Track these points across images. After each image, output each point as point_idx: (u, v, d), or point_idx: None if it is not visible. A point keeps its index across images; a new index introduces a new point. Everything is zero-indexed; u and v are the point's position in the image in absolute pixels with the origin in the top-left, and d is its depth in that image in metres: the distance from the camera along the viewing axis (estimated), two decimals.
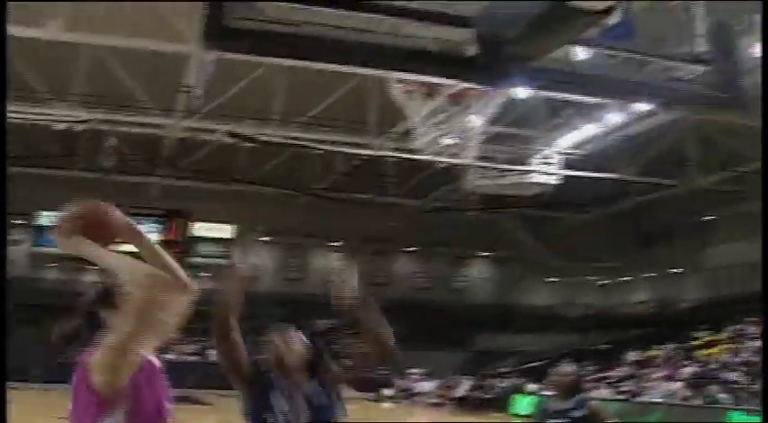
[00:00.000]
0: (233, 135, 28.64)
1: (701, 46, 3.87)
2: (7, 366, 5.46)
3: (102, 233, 3.57)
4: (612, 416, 5.74)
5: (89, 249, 3.53)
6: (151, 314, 3.47)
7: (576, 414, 5.72)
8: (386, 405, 37.77)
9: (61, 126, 27.77)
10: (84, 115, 26.91)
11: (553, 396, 6.09)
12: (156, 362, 3.83)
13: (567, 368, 6.24)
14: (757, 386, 24.82)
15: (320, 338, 4.99)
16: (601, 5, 3.12)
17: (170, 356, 29.52)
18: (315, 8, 3.34)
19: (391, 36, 3.30)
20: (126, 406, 3.54)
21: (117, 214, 3.66)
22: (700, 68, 3.99)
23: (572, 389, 5.88)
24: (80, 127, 27.51)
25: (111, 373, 3.45)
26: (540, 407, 6.09)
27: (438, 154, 25.66)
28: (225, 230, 44.54)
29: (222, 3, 3.05)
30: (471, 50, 3.41)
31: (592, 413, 5.78)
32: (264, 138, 28.90)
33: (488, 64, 3.39)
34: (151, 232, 41.36)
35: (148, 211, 41.52)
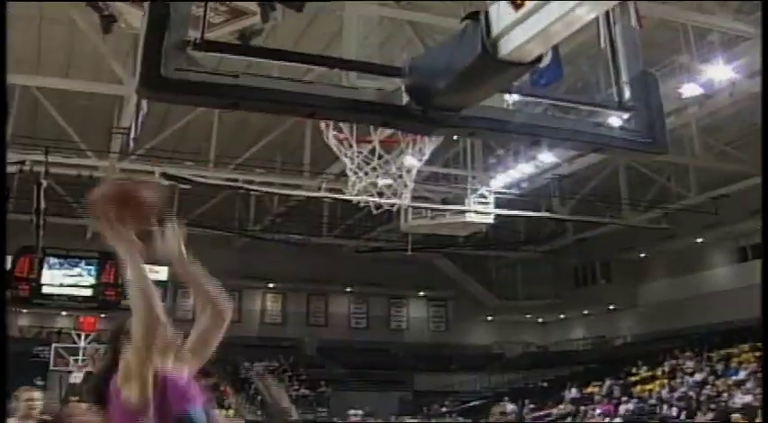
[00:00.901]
0: (168, 177, 28.45)
1: (625, 93, 4.02)
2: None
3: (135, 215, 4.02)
4: None
5: (131, 257, 3.79)
6: (151, 338, 3.80)
7: None
8: None
9: None
10: (16, 157, 26.54)
11: None
12: (179, 375, 4.05)
13: (507, 407, 6.33)
14: (695, 421, 25.22)
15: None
16: (530, 57, 3.24)
17: None
18: (253, 59, 3.44)
19: (328, 86, 3.38)
20: (153, 417, 3.78)
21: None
22: (623, 114, 4.15)
23: None
24: (13, 168, 27.13)
25: (132, 388, 3.74)
26: None
27: (373, 196, 25.79)
28: (161, 272, 43.96)
29: (159, 52, 3.11)
30: (403, 99, 3.52)
31: None
32: (200, 179, 28.76)
33: (420, 113, 3.50)
34: (87, 275, 40.81)
35: (83, 253, 40.94)
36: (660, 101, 4.88)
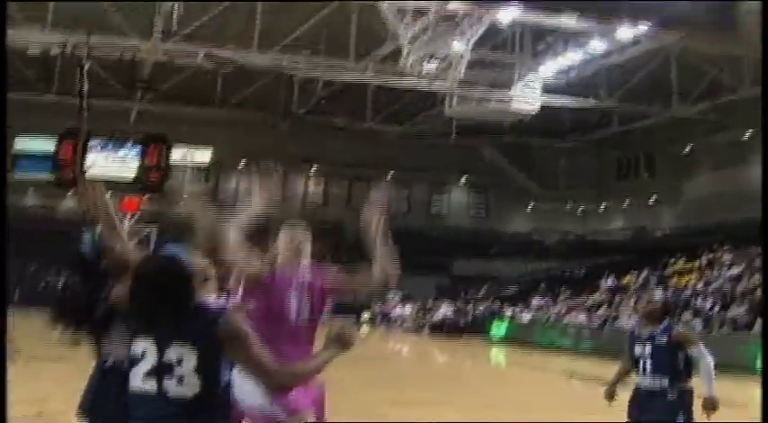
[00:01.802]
0: (211, 58, 28.29)
1: None
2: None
3: None
4: (698, 339, 5.86)
5: None
6: None
7: (663, 339, 5.94)
8: (364, 329, 38.18)
9: (36, 50, 27.32)
10: (58, 38, 26.43)
11: (641, 322, 6.29)
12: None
13: (655, 295, 6.46)
14: (729, 313, 25.22)
15: None
16: None
17: None
18: None
19: None
20: None
21: None
22: None
23: (659, 315, 6.08)
24: (56, 51, 27.07)
25: None
26: (629, 332, 6.31)
27: (419, 79, 25.52)
28: (204, 155, 44.16)
29: None
30: None
31: (678, 337, 5.95)
32: (243, 61, 28.58)
33: None
34: (131, 157, 41.07)
35: (127, 135, 41.05)
36: None
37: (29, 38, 26.62)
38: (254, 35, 28.57)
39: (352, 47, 29.12)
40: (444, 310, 36.84)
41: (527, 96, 30.19)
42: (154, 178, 39.32)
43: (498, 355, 29.31)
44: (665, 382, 5.93)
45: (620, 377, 6.37)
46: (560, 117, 39.91)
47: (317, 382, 4.50)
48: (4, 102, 7.82)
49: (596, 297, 33.17)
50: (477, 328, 35.05)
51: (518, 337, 31.58)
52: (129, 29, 27.44)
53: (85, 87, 24.84)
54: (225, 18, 29.24)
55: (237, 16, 29.36)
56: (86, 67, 24.58)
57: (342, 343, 3.39)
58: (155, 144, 39.67)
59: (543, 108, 31.18)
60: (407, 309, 39.41)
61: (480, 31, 21.82)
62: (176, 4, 25.15)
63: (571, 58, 29.10)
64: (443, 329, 35.23)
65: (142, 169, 39.73)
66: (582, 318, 30.49)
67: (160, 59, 30.01)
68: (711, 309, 26.77)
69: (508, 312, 35.00)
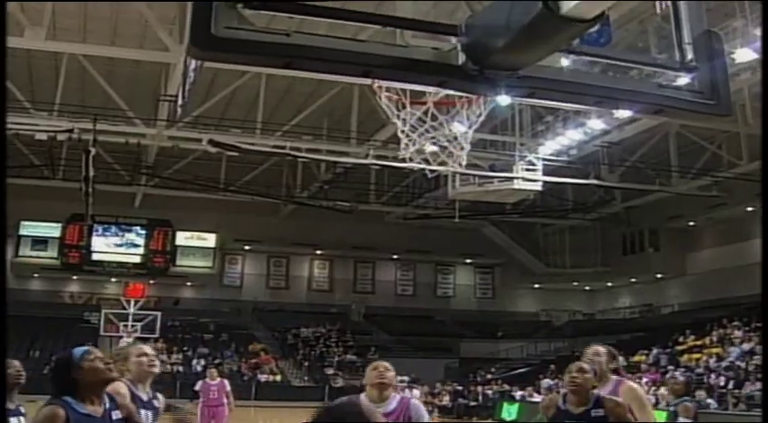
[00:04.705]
0: (215, 144, 28.51)
1: (688, 54, 3.88)
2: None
3: None
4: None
5: None
6: None
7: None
8: None
9: (43, 136, 27.61)
10: (66, 125, 26.73)
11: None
12: None
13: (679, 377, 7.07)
14: (743, 391, 24.89)
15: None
16: (592, 14, 3.13)
17: None
18: (304, 17, 3.36)
19: (381, 45, 3.32)
20: None
21: None
22: (686, 75, 3.99)
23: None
24: (62, 136, 27.35)
25: None
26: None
27: (421, 161, 25.61)
28: (208, 239, 44.36)
29: (209, 10, 3.06)
30: (460, 59, 3.44)
31: None
32: (247, 146, 28.79)
33: (476, 73, 3.42)
34: (135, 242, 41.14)
35: (132, 220, 41.33)
36: (725, 61, 4.66)
37: (36, 123, 26.90)
38: (257, 121, 28.88)
39: (353, 131, 29.44)
40: (453, 392, 36.39)
41: (528, 176, 30.27)
42: (158, 262, 39.51)
43: None
44: None
45: None
46: (563, 196, 40.04)
47: None
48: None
49: None
50: (488, 409, 34.59)
51: (529, 420, 31.14)
52: (135, 115, 27.77)
53: (91, 173, 25.06)
54: (228, 104, 29.61)
55: (240, 102, 29.74)
56: (92, 153, 24.78)
57: None
58: (159, 228, 39.95)
59: (545, 187, 31.27)
60: (415, 392, 38.92)
61: (480, 114, 21.91)
62: (180, 92, 25.42)
63: (570, 137, 29.28)
64: (454, 412, 34.78)
65: (147, 253, 39.99)
66: None
67: (164, 145, 30.31)
68: (725, 386, 26.46)
69: (518, 394, 34.57)
